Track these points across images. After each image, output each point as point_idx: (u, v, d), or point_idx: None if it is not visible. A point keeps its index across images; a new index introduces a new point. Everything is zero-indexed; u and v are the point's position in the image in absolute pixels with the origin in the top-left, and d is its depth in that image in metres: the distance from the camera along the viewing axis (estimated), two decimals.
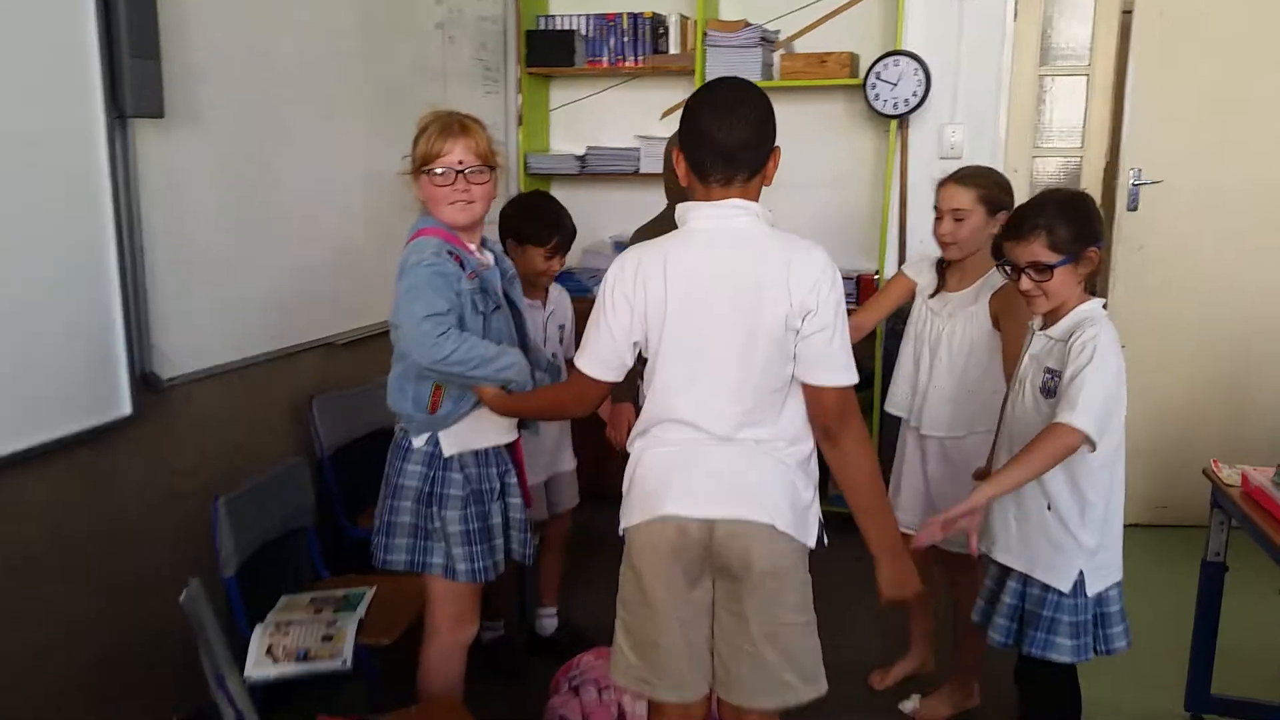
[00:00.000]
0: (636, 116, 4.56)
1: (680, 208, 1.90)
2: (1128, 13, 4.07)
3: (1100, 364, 2.01)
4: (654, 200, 4.48)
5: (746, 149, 1.81)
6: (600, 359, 1.92)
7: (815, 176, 4.32)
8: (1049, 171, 4.41)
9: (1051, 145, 4.41)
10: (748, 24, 4.19)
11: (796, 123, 4.31)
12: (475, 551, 2.24)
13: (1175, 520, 4.06)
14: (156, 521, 2.54)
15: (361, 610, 2.43)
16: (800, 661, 1.89)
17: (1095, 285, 3.82)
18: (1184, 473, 3.69)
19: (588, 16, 4.38)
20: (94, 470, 2.36)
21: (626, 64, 4.37)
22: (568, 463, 3.13)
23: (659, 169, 4.28)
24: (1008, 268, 2.19)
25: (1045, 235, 2.10)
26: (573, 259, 4.59)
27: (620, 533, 1.96)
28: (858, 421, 1.87)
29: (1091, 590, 2.14)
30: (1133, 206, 3.96)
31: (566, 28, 4.39)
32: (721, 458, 1.85)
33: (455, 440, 2.24)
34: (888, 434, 3.48)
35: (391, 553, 2.27)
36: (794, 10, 4.32)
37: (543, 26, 4.43)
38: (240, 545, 2.38)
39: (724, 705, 1.96)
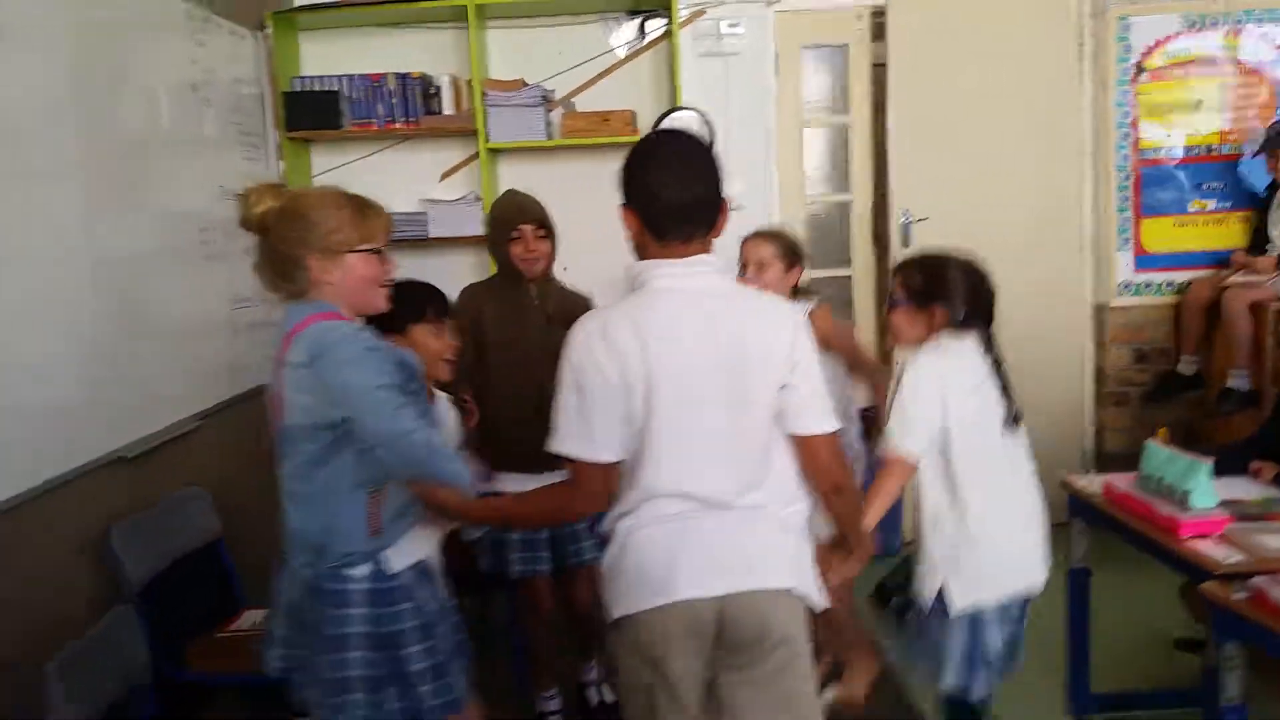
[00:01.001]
0: (413, 180, 4.31)
1: (637, 266, 1.78)
2: (879, 65, 4.38)
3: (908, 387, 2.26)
4: (446, 265, 4.29)
5: (704, 205, 1.71)
6: (594, 439, 1.74)
7: (604, 235, 4.24)
8: (819, 215, 4.61)
9: (820, 192, 4.61)
10: (525, 83, 4.09)
11: (581, 182, 4.26)
12: (443, 686, 1.94)
13: None
14: None
15: None
16: None
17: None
18: None
19: (350, 77, 4.08)
20: None
21: (397, 125, 4.12)
22: None
23: (449, 232, 4.12)
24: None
25: (902, 277, 2.38)
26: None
27: (613, 619, 1.80)
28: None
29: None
30: (906, 244, 4.23)
31: (327, 89, 4.07)
32: (725, 528, 1.76)
33: (402, 554, 1.92)
34: None
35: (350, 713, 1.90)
36: (567, 69, 4.28)
37: (299, 88, 4.09)
38: (79, 715, 1.93)
39: None
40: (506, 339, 2.87)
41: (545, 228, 2.92)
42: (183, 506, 2.92)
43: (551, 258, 2.96)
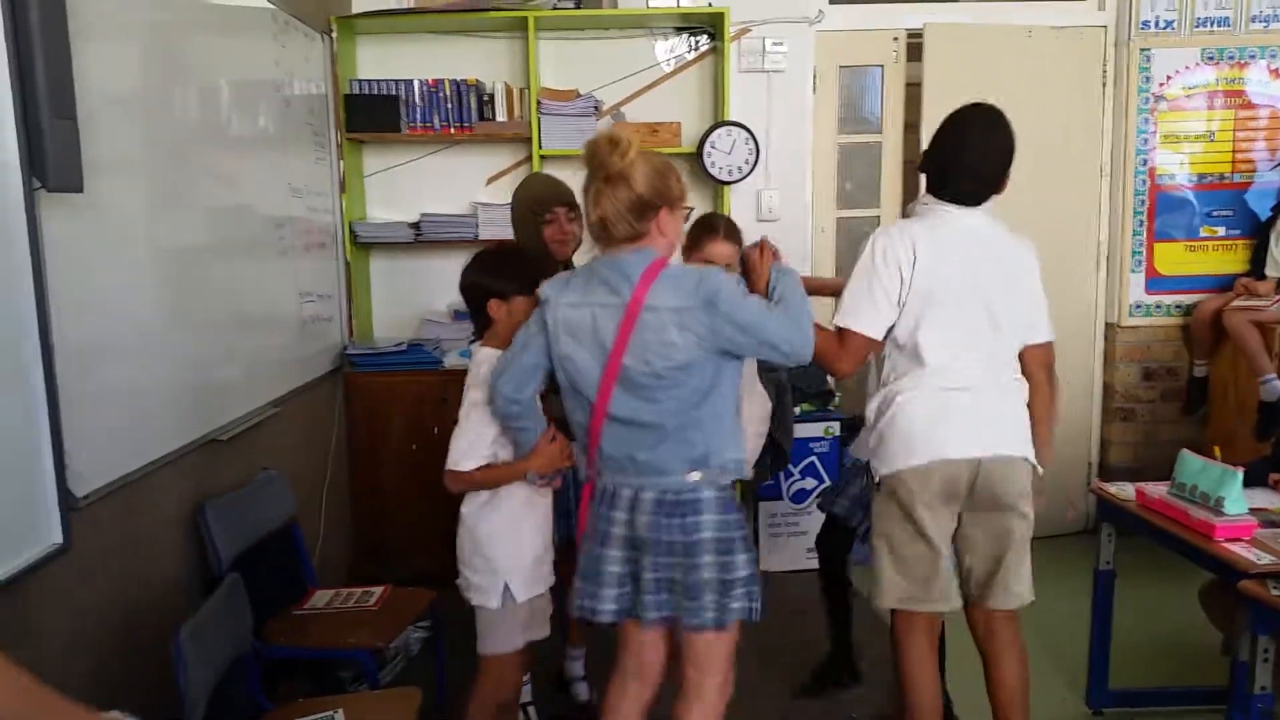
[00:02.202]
0: (462, 183, 4.45)
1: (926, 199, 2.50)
2: (913, 85, 4.57)
3: None
4: None
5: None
6: (876, 319, 2.38)
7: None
8: (852, 228, 4.78)
9: (853, 204, 4.78)
10: (579, 94, 4.25)
11: None
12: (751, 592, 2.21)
13: None
14: (75, 667, 2.14)
15: None
16: (1029, 569, 2.51)
17: None
18: None
19: (407, 81, 4.23)
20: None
21: (452, 130, 4.26)
22: None
23: (497, 234, 4.25)
24: None
25: None
26: (411, 329, 4.42)
27: (879, 474, 2.43)
28: None
29: None
30: None
31: (386, 92, 4.22)
32: (985, 402, 2.39)
33: None
34: None
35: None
36: (614, 80, 4.44)
37: (357, 91, 4.23)
38: (206, 681, 2.06)
39: (975, 611, 2.54)
40: None
41: (575, 209, 2.93)
42: (265, 488, 3.06)
43: (579, 240, 2.98)
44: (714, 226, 2.82)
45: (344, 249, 4.19)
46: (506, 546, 2.44)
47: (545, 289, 2.21)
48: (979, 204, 2.49)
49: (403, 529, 4.14)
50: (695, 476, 2.13)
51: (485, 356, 2.42)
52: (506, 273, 2.40)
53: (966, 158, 2.47)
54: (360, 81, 4.25)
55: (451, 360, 4.14)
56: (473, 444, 2.40)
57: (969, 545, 2.50)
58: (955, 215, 2.47)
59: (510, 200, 3.10)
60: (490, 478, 2.42)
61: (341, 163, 4.16)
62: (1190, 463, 2.80)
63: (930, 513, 2.40)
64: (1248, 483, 2.77)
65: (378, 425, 4.15)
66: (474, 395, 2.41)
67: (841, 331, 2.43)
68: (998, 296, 2.45)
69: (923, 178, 2.60)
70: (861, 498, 2.91)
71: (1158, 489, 2.88)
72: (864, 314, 2.41)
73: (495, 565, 2.43)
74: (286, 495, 3.16)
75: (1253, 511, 2.66)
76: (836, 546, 3.16)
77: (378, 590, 3.09)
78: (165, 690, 2.05)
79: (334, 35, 4.07)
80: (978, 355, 2.43)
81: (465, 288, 2.47)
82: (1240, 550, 2.52)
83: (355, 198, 4.34)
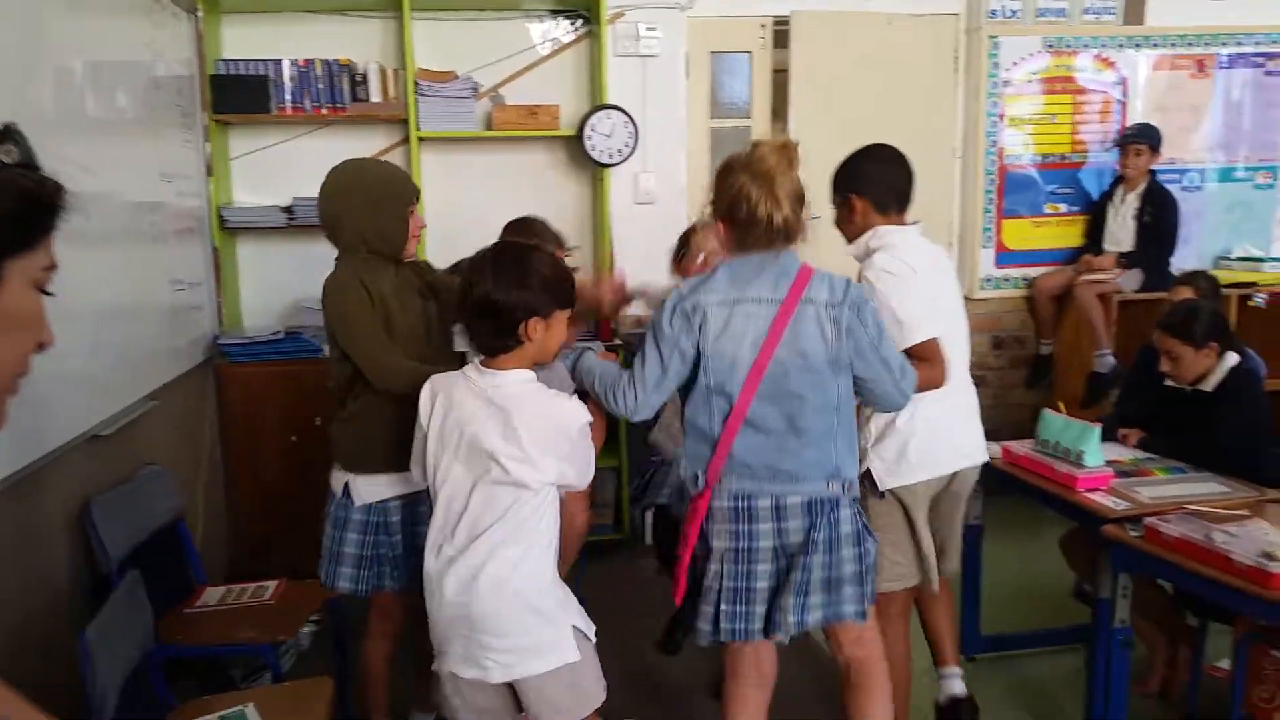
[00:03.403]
0: (331, 166, 4.32)
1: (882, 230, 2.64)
2: (780, 71, 4.73)
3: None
4: None
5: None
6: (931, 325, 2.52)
7: None
8: None
9: None
10: (456, 75, 4.23)
11: (510, 171, 4.46)
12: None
13: None
14: None
15: None
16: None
17: None
18: None
19: (276, 62, 4.11)
20: None
21: (324, 111, 4.17)
22: None
23: None
24: None
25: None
26: (286, 317, 4.30)
27: (887, 485, 2.62)
28: None
29: None
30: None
31: (255, 73, 4.09)
32: (972, 407, 2.77)
33: None
34: None
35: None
36: (491, 63, 4.42)
37: (225, 71, 4.08)
38: (113, 680, 2.00)
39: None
40: None
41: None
42: (150, 484, 2.95)
43: None
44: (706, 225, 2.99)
45: (212, 235, 4.05)
46: (561, 590, 2.12)
47: (689, 297, 2.16)
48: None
49: (284, 523, 4.03)
50: (834, 488, 2.21)
51: (527, 381, 2.06)
52: (545, 286, 2.04)
53: (906, 181, 2.78)
54: (227, 61, 4.10)
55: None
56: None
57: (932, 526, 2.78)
58: (913, 233, 2.70)
59: (341, 184, 2.53)
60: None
61: (208, 145, 4.01)
62: (1052, 421, 3.03)
63: (923, 510, 2.71)
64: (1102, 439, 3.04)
65: (255, 417, 4.03)
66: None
67: (922, 346, 2.50)
68: (958, 300, 2.79)
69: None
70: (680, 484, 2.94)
71: (1021, 446, 3.10)
72: (926, 322, 2.53)
73: (554, 614, 2.06)
74: (171, 491, 3.06)
75: (1108, 463, 2.91)
76: (669, 533, 3.22)
77: (271, 584, 3.03)
78: (59, 692, 1.97)
79: (199, 14, 3.92)
80: (962, 360, 2.73)
81: (496, 308, 2.00)
82: (1100, 498, 2.75)
83: (222, 181, 4.19)
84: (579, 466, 2.07)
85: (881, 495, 2.63)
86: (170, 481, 3.06)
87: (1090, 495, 2.78)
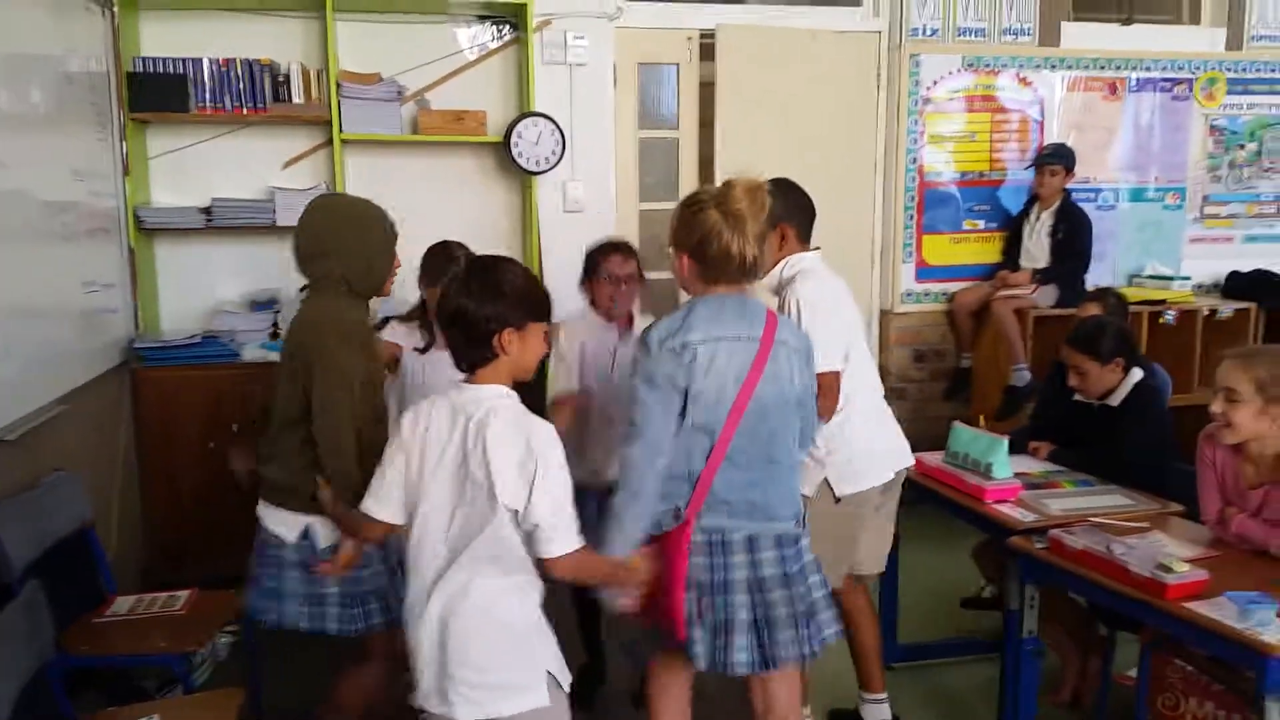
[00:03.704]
0: (255, 167, 4.28)
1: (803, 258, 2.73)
2: (708, 84, 4.77)
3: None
4: (291, 255, 4.30)
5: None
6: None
7: (455, 225, 4.41)
8: (657, 219, 4.91)
9: (653, 197, 4.92)
10: (380, 78, 4.19)
11: (438, 177, 4.44)
12: None
13: None
14: None
15: None
16: None
17: None
18: None
19: (196, 60, 4.02)
20: None
21: (244, 111, 4.10)
22: None
23: (295, 221, 4.03)
24: None
25: None
26: (196, 322, 4.21)
27: (843, 492, 2.73)
28: None
29: None
30: None
31: (171, 70, 4.00)
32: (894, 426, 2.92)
33: None
34: None
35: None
36: (416, 66, 4.39)
37: (142, 69, 3.99)
38: (7, 693, 1.94)
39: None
40: None
41: None
42: (56, 490, 2.87)
43: None
44: (618, 246, 3.11)
45: (128, 235, 3.95)
46: (544, 631, 2.03)
47: (674, 337, 2.16)
48: None
49: (200, 530, 3.95)
50: (798, 526, 2.32)
51: (502, 396, 1.99)
52: (519, 297, 1.98)
53: (814, 210, 2.88)
54: (145, 59, 4.00)
55: (251, 353, 3.98)
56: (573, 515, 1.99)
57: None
58: (820, 260, 2.81)
59: (332, 223, 2.44)
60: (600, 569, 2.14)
61: (124, 144, 3.91)
62: (962, 433, 3.11)
63: (870, 513, 2.89)
64: (1012, 451, 3.12)
65: (171, 422, 3.93)
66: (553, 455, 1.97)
67: (827, 376, 2.55)
68: (858, 315, 2.91)
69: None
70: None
71: (934, 458, 3.17)
72: (835, 353, 2.64)
73: (535, 655, 1.98)
74: (80, 497, 2.97)
75: (1017, 475, 2.99)
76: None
77: (184, 594, 2.97)
78: None
79: (115, 9, 3.82)
80: (873, 370, 2.93)
81: (467, 319, 1.95)
82: (1008, 510, 2.83)
83: (139, 181, 4.09)
84: (553, 500, 1.91)
85: (837, 501, 2.76)
86: (79, 488, 2.98)
87: (998, 507, 2.86)
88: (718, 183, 2.35)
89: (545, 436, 1.94)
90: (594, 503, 2.50)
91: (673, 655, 2.33)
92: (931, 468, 3.16)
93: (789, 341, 2.26)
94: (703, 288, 2.25)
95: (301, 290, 2.50)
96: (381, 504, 2.00)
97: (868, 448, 2.79)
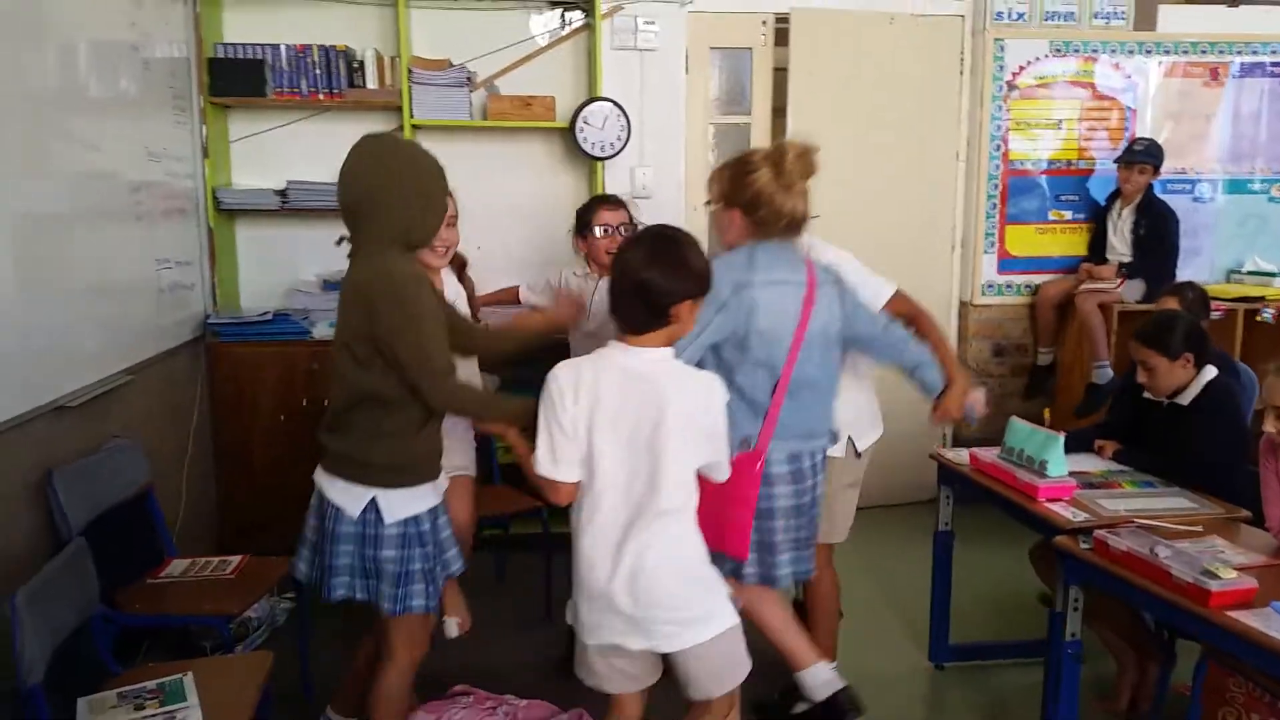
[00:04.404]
0: (330, 151, 4.34)
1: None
2: (780, 69, 4.70)
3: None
4: None
5: None
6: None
7: (522, 211, 4.49)
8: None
9: None
10: (450, 64, 4.25)
11: (506, 161, 4.49)
12: None
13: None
14: None
15: (194, 699, 2.18)
16: None
17: None
18: None
19: (274, 46, 4.16)
20: None
21: (320, 96, 4.21)
22: None
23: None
24: None
25: None
26: (276, 300, 4.35)
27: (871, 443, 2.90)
28: None
29: None
30: None
31: (252, 56, 4.14)
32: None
33: None
34: None
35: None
36: (488, 53, 4.44)
37: (223, 55, 4.13)
38: (44, 646, 2.04)
39: None
40: None
41: None
42: (116, 456, 3.00)
43: None
44: (605, 199, 3.49)
45: (206, 215, 4.10)
46: (709, 560, 2.19)
47: (740, 273, 2.38)
48: None
49: (271, 501, 4.07)
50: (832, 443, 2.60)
51: (669, 357, 2.14)
52: (698, 274, 2.11)
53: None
54: (225, 45, 4.15)
55: (321, 331, 4.10)
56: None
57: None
58: None
59: (388, 165, 2.27)
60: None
61: (205, 127, 4.06)
62: (1018, 429, 2.99)
63: None
64: (1078, 448, 3.00)
65: (244, 396, 4.09)
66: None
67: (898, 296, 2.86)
68: None
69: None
70: None
71: (989, 454, 3.06)
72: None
73: (714, 582, 2.17)
74: (140, 463, 3.10)
75: (1075, 474, 2.86)
76: None
77: (235, 559, 3.08)
78: (7, 658, 2.02)
79: None
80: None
81: (652, 291, 2.04)
82: (1059, 509, 2.71)
83: (220, 163, 4.25)
84: (720, 441, 2.14)
85: (859, 455, 2.89)
86: (139, 454, 3.11)
87: (1050, 505, 2.74)
88: None
89: (712, 388, 2.14)
90: None
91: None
92: (986, 463, 3.05)
93: (827, 282, 2.49)
94: (752, 241, 2.45)
95: (340, 241, 2.34)
96: (561, 466, 2.06)
97: (873, 405, 2.94)
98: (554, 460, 2.05)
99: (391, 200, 2.22)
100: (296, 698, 2.96)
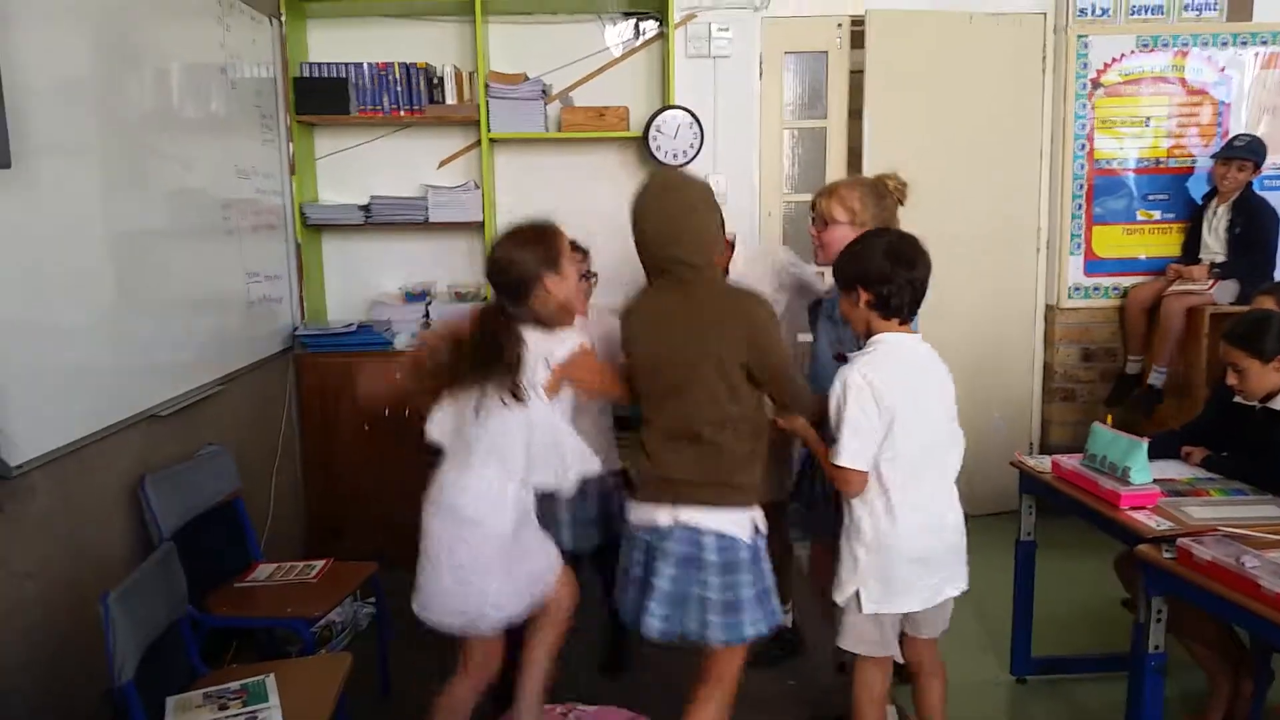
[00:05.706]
0: (413, 166, 4.51)
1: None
2: (856, 72, 4.66)
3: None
4: (444, 249, 4.54)
5: None
6: None
7: (602, 224, 4.51)
8: (800, 214, 4.86)
9: (800, 189, 4.85)
10: (526, 77, 4.32)
11: (581, 172, 4.53)
12: None
13: None
14: (10, 629, 2.22)
15: (275, 700, 2.25)
16: None
17: None
18: None
19: (357, 65, 4.28)
20: None
21: (401, 113, 4.32)
22: None
23: (448, 218, 4.33)
24: None
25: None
26: (359, 312, 4.47)
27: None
28: None
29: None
30: None
31: (334, 75, 4.27)
32: None
33: None
34: None
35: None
36: (563, 65, 4.50)
37: (307, 74, 4.27)
38: (136, 645, 2.13)
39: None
40: None
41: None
42: (207, 463, 3.13)
43: None
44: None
45: (294, 230, 4.24)
46: None
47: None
48: None
49: (356, 508, 4.21)
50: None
51: (919, 339, 2.49)
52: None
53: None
54: (310, 64, 4.29)
55: (402, 342, 4.21)
56: None
57: None
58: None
59: (707, 198, 2.42)
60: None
61: (291, 145, 4.20)
62: (1101, 435, 2.91)
63: None
64: (1159, 455, 2.90)
65: (330, 405, 4.21)
66: None
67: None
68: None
69: None
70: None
71: (1071, 461, 2.99)
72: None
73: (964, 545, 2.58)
74: (230, 470, 3.23)
75: (1160, 482, 2.77)
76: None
77: (319, 564, 3.17)
78: (98, 655, 2.12)
79: (283, 18, 4.11)
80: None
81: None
82: (1142, 517, 2.62)
83: (306, 180, 4.39)
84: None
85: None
86: (229, 461, 3.23)
87: (1133, 514, 2.66)
88: (865, 172, 2.42)
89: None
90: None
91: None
92: (1068, 471, 2.98)
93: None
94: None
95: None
96: (860, 458, 2.34)
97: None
98: (858, 453, 2.34)
99: (683, 238, 2.35)
100: (376, 699, 3.04)
